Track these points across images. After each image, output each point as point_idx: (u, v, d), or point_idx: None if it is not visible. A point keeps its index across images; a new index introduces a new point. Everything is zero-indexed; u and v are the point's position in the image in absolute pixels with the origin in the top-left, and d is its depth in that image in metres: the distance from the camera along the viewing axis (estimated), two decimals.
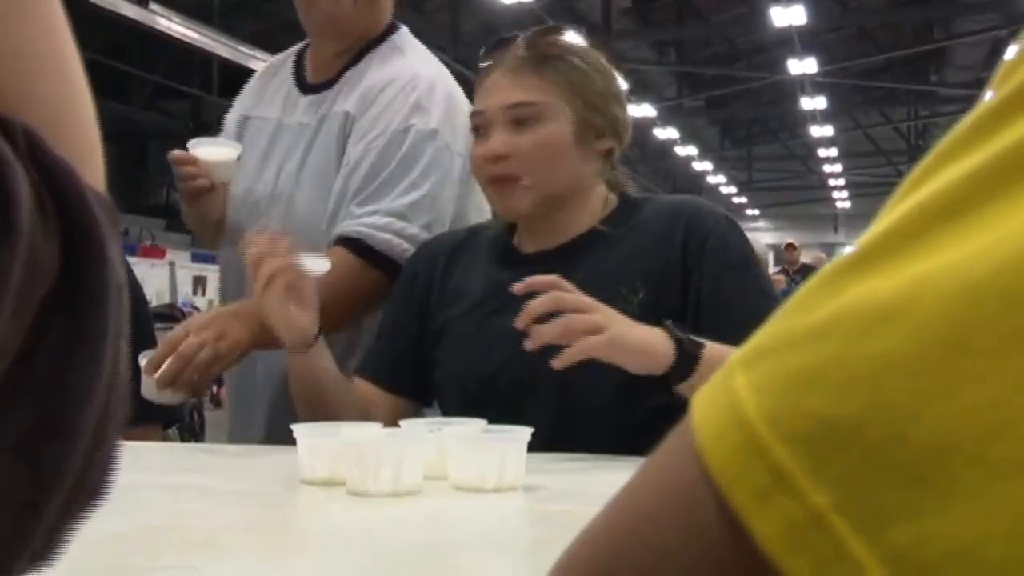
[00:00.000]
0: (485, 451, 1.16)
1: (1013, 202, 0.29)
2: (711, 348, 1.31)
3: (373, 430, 1.25)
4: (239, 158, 1.89)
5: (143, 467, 1.37)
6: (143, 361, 1.59)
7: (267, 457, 1.51)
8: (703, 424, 0.33)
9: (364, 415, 1.47)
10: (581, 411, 1.43)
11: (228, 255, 1.97)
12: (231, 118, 2.09)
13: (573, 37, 1.57)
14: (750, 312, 1.38)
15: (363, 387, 1.59)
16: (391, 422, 1.42)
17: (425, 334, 1.61)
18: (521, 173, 1.51)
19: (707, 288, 1.45)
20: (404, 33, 1.98)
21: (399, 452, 1.12)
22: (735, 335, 1.39)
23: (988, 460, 0.28)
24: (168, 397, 1.64)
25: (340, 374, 1.54)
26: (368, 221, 1.74)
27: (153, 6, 11.62)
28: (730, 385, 0.33)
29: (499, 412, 1.34)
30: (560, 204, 1.54)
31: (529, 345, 1.28)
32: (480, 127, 1.55)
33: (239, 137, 2.01)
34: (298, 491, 1.19)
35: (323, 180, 1.85)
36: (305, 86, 1.99)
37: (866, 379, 0.29)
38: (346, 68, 1.93)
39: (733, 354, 0.34)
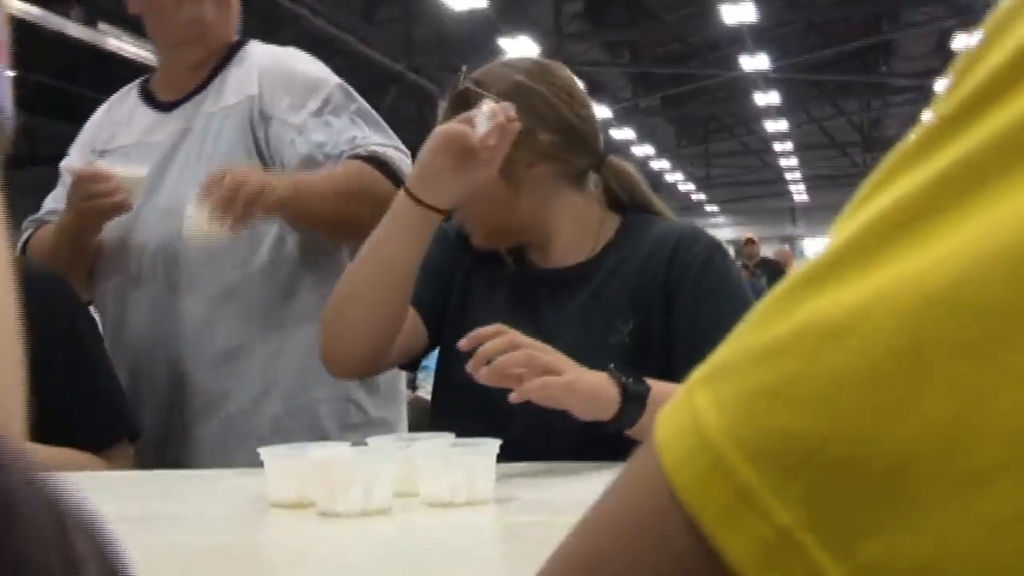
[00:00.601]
0: (454, 466, 1.16)
1: (964, 212, 0.29)
2: (659, 391, 1.31)
3: (340, 450, 1.25)
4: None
5: (110, 498, 1.35)
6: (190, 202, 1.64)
7: (236, 480, 1.50)
8: (667, 445, 0.33)
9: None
10: (558, 423, 1.41)
11: (110, 282, 1.93)
12: (71, 164, 2.04)
13: (500, 66, 1.57)
14: (710, 343, 1.37)
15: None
16: (404, 338, 1.51)
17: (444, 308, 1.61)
18: (463, 221, 1.56)
19: (683, 315, 1.46)
20: (258, 43, 2.04)
21: (368, 471, 1.11)
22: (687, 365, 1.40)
23: (950, 471, 0.27)
24: (214, 235, 1.65)
25: None
26: (374, 145, 1.83)
27: (102, 26, 11.51)
28: (692, 403, 0.32)
29: (477, 422, 1.35)
30: (531, 233, 1.56)
31: (483, 373, 1.27)
32: None
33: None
34: (268, 514, 1.18)
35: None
36: (162, 104, 2.00)
37: (824, 396, 0.29)
38: (213, 74, 1.95)
39: (695, 371, 0.34)
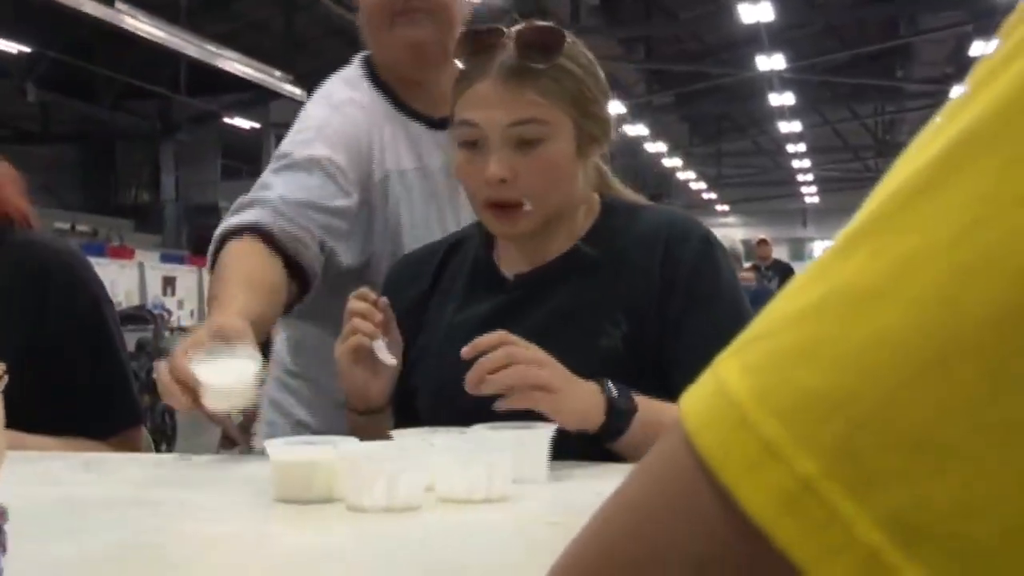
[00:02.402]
0: (473, 463, 1.14)
1: (976, 171, 0.30)
2: (648, 408, 1.30)
3: (366, 445, 1.22)
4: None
5: (121, 480, 1.35)
6: (198, 367, 1.31)
7: (245, 468, 1.48)
8: (692, 412, 0.33)
9: None
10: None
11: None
12: (330, 156, 1.73)
13: (559, 33, 1.45)
14: (701, 357, 1.34)
15: None
16: None
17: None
18: (523, 198, 1.42)
19: (671, 321, 1.41)
20: None
21: (394, 466, 1.10)
22: (682, 378, 1.36)
23: (982, 424, 0.28)
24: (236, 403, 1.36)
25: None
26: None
27: (119, 5, 11.51)
28: (718, 373, 0.33)
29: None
30: (553, 221, 1.48)
31: (472, 388, 1.26)
32: (475, 142, 1.44)
33: (384, 192, 1.80)
34: (279, 505, 1.16)
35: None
36: (427, 119, 1.85)
37: (857, 354, 0.30)
38: None
39: (720, 354, 0.34)
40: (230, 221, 1.66)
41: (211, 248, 1.66)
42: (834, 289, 0.31)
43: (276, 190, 1.69)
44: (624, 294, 1.43)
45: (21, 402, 1.53)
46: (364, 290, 1.45)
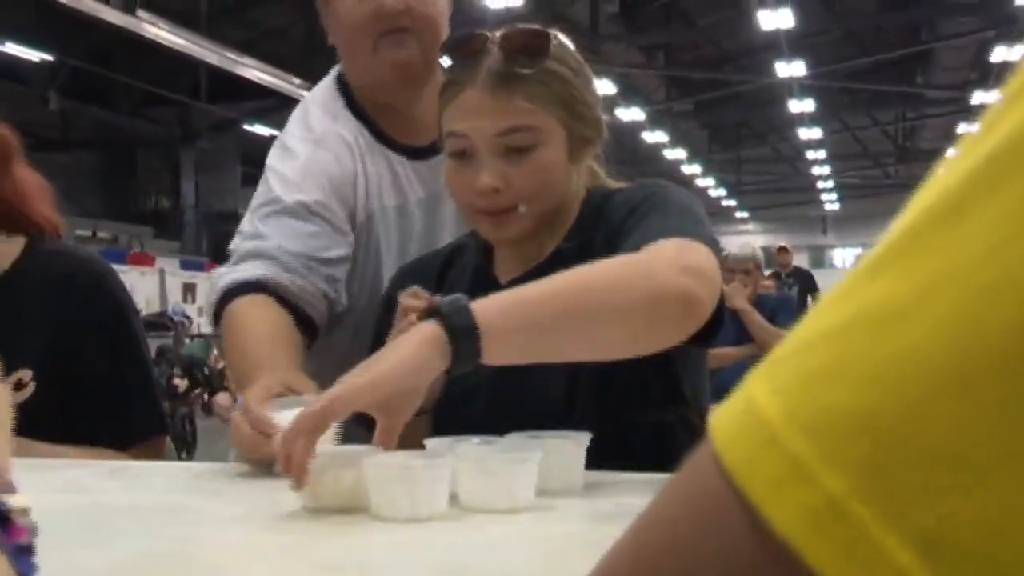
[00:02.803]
0: (498, 472, 1.13)
1: (1005, 191, 0.30)
2: (494, 300, 1.14)
3: (390, 454, 1.19)
4: None
5: (146, 488, 1.35)
6: (279, 415, 1.30)
7: (269, 477, 1.47)
8: (721, 431, 0.33)
9: None
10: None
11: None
12: (320, 202, 1.71)
13: (544, 36, 1.41)
14: (646, 231, 1.28)
15: None
16: None
17: None
18: (518, 202, 1.40)
19: (624, 234, 1.33)
20: None
21: (419, 476, 1.09)
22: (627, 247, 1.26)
23: (1011, 443, 0.28)
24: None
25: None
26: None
27: (140, 13, 11.58)
28: (747, 392, 0.33)
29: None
30: (547, 223, 1.46)
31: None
32: (464, 152, 1.41)
33: (367, 232, 1.76)
34: (303, 515, 1.16)
35: None
36: (407, 149, 1.79)
37: (884, 373, 0.30)
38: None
39: (755, 369, 0.34)
40: (236, 276, 1.64)
41: (215, 299, 1.65)
42: (862, 309, 0.31)
43: (273, 240, 1.66)
44: None
45: (45, 409, 1.55)
46: (416, 288, 1.36)
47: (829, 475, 0.30)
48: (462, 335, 1.10)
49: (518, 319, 1.14)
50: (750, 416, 0.32)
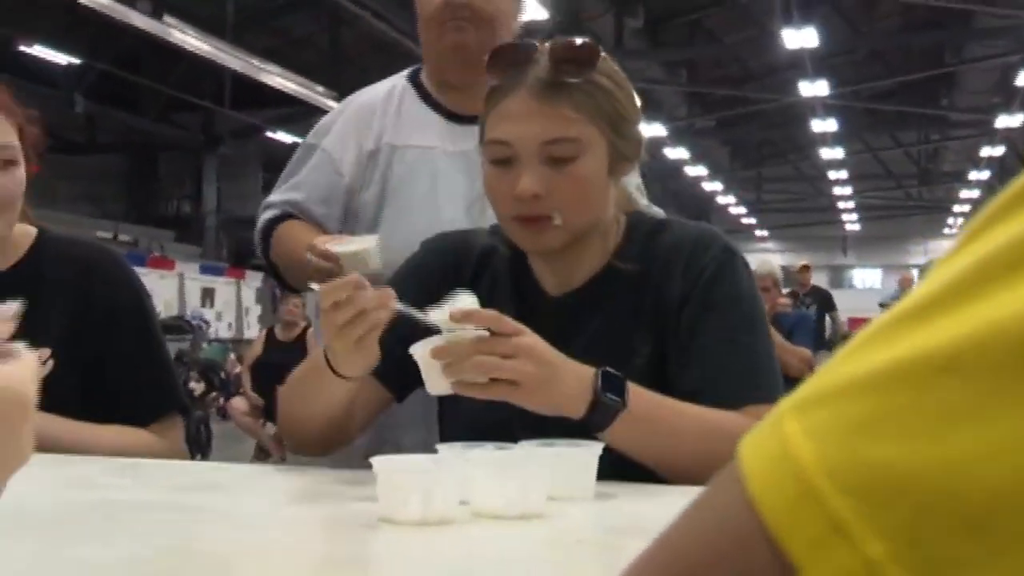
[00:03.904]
0: (510, 478, 1.13)
1: None
2: (642, 404, 1.28)
3: (402, 457, 1.21)
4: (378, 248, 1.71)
5: (157, 486, 1.36)
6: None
7: (280, 478, 1.48)
8: (755, 473, 0.33)
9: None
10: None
11: None
12: (338, 149, 2.01)
13: (593, 48, 1.41)
14: (713, 360, 1.37)
15: None
16: (364, 408, 1.45)
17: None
18: (554, 212, 1.39)
19: (686, 326, 1.40)
20: None
21: (429, 479, 1.09)
22: (694, 381, 1.35)
23: None
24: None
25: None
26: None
27: (167, 19, 11.66)
28: (781, 433, 0.32)
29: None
30: (584, 238, 1.45)
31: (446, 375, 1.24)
32: (506, 160, 1.41)
33: (386, 166, 1.98)
34: (315, 514, 1.16)
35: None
36: (455, 116, 2.00)
37: (927, 429, 0.29)
38: None
39: (784, 400, 0.34)
40: (268, 214, 2.03)
41: (259, 236, 2.03)
42: (905, 356, 0.30)
43: (302, 191, 2.04)
44: (650, 311, 1.43)
45: (64, 387, 1.59)
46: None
47: (870, 539, 0.29)
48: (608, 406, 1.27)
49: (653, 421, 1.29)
50: (785, 463, 0.31)
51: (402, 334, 1.31)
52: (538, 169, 1.38)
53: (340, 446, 1.52)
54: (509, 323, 1.25)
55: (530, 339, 1.26)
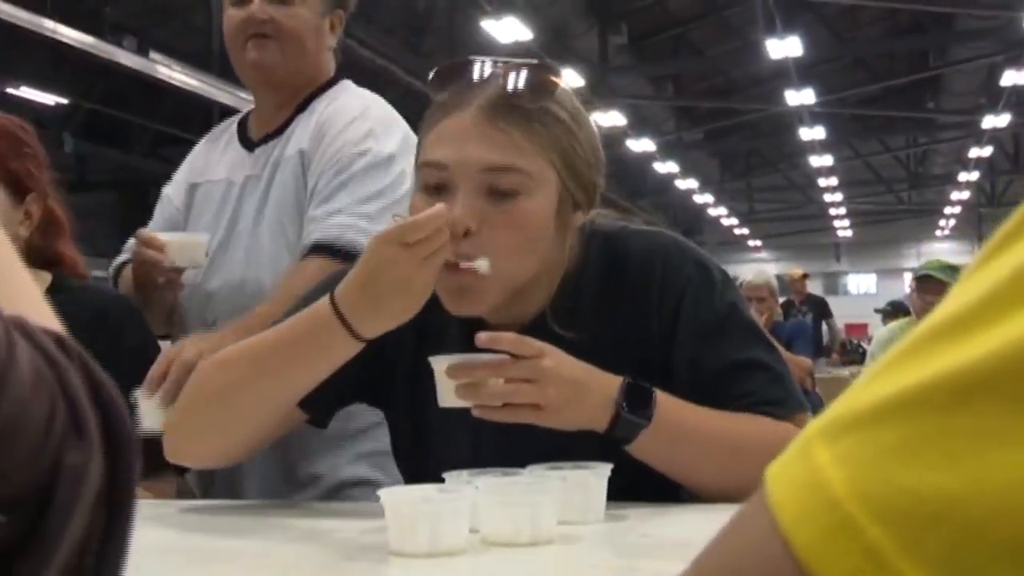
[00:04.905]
0: (518, 504, 1.12)
1: None
2: (667, 415, 1.23)
3: (410, 489, 1.19)
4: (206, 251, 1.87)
5: (165, 526, 1.34)
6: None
7: (290, 515, 1.46)
8: (784, 502, 0.32)
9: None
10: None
11: (190, 327, 1.91)
12: (173, 191, 2.06)
13: (553, 71, 1.27)
14: (729, 379, 1.30)
15: None
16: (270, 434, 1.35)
17: (379, 397, 1.44)
18: (482, 257, 1.21)
19: (683, 360, 1.31)
20: (349, 83, 2.00)
21: (438, 510, 1.08)
22: (717, 401, 1.30)
23: None
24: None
25: None
26: (335, 222, 1.75)
27: (153, 55, 11.69)
28: (811, 461, 0.31)
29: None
30: (520, 293, 1.30)
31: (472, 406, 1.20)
32: (439, 186, 1.24)
33: (188, 206, 2.01)
34: (328, 552, 1.15)
35: (282, 228, 1.85)
36: (249, 143, 1.99)
37: (964, 452, 0.28)
38: (292, 117, 1.94)
39: (811, 424, 0.33)
40: (118, 260, 2.05)
41: (111, 282, 2.02)
42: (935, 377, 0.29)
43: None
44: (625, 339, 1.33)
45: None
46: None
47: (907, 568, 0.28)
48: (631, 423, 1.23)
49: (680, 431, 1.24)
50: (817, 492, 0.30)
51: (339, 376, 1.27)
52: (475, 200, 1.21)
53: (246, 456, 1.41)
54: (530, 344, 1.19)
55: (552, 360, 1.19)
